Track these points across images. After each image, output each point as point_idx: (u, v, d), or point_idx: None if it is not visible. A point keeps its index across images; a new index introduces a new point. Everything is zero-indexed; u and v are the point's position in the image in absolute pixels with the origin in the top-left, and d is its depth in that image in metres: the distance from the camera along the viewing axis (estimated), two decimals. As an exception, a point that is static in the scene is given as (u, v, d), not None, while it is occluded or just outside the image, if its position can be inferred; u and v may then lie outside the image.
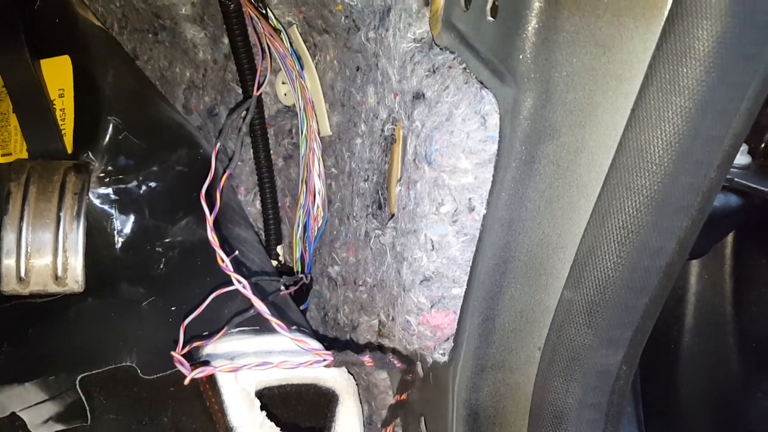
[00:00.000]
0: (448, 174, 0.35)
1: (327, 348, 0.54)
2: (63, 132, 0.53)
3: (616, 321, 0.34)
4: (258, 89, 0.43)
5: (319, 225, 0.56)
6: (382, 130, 0.45)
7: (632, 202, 0.29)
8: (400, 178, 0.41)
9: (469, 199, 0.35)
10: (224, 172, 0.43)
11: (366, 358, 0.43)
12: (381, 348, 0.47)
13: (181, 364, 0.40)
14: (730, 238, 0.58)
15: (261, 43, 0.48)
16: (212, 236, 0.39)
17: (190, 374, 0.38)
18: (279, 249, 0.61)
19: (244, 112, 0.43)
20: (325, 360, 0.40)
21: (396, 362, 0.45)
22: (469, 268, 0.38)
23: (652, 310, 0.35)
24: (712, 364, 0.63)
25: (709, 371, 0.64)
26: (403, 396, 0.50)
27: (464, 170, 0.34)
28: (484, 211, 0.35)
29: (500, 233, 0.35)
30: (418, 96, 0.37)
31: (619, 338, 0.35)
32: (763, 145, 0.56)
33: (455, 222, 0.36)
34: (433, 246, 0.37)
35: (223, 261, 0.37)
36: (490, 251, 0.36)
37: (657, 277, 0.33)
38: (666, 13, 0.28)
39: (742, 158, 0.54)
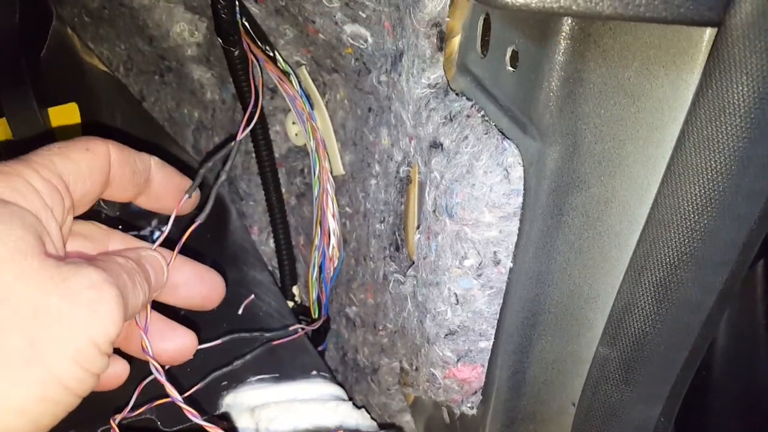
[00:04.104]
0: (471, 228, 0.33)
1: (347, 391, 0.53)
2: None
3: (654, 377, 0.32)
4: (242, 132, 0.41)
5: (335, 266, 0.55)
6: (398, 172, 0.43)
7: (670, 258, 0.28)
8: (419, 225, 0.40)
9: (494, 252, 0.34)
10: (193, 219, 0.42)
11: None
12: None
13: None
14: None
15: (255, 86, 0.47)
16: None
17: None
18: (294, 289, 0.60)
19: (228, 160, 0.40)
20: None
21: None
22: (496, 321, 0.36)
23: (692, 363, 0.33)
24: (746, 390, 0.61)
25: (743, 397, 0.61)
26: None
27: (488, 224, 0.33)
28: (511, 264, 0.34)
29: (528, 286, 0.34)
30: (436, 145, 0.35)
31: (657, 393, 0.33)
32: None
33: (480, 275, 0.35)
34: (457, 300, 0.36)
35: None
36: (518, 304, 0.35)
37: (697, 331, 0.31)
38: (700, 59, 0.26)
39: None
